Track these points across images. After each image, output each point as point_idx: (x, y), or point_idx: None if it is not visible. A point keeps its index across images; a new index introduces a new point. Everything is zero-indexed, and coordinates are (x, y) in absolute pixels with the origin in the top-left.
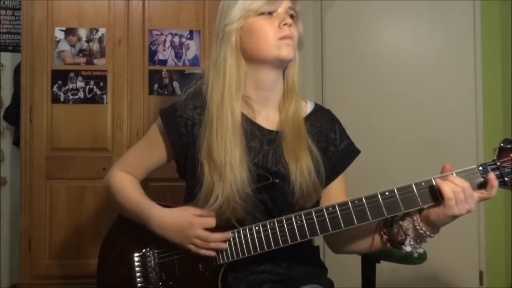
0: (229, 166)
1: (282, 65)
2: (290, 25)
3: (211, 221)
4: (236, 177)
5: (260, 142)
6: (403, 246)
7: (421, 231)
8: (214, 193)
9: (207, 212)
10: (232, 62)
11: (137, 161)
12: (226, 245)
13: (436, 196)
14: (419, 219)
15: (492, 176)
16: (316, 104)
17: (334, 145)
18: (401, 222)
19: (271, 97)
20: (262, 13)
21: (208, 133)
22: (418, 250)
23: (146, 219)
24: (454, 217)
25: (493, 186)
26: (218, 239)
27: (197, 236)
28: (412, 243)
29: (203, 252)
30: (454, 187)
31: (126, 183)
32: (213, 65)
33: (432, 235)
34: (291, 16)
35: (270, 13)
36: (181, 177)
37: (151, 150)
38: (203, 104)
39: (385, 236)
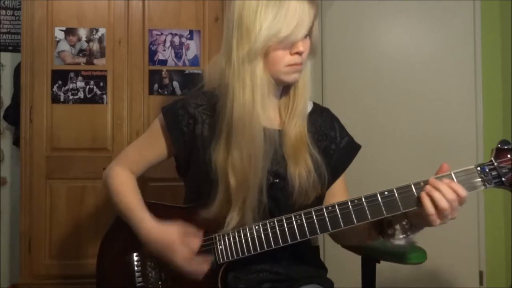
0: (251, 194)
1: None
2: (302, 53)
3: (195, 244)
4: (254, 204)
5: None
6: (392, 240)
7: (406, 227)
8: (231, 212)
9: (194, 231)
10: (263, 80)
11: (138, 155)
12: (202, 275)
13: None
14: (406, 220)
15: (453, 184)
16: (314, 104)
17: (335, 143)
18: (390, 218)
19: (273, 99)
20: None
21: (233, 145)
22: (412, 240)
23: (135, 228)
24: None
25: (457, 189)
26: (195, 271)
27: (175, 263)
28: (402, 236)
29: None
30: (441, 203)
31: (122, 184)
32: (237, 76)
33: (416, 231)
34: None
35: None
36: (181, 176)
37: (152, 146)
38: (207, 104)
39: (376, 230)
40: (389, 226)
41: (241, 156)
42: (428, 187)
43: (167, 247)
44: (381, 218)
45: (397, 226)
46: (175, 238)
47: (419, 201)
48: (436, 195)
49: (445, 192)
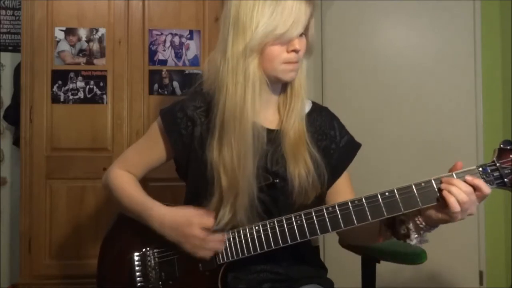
0: (241, 192)
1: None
2: (299, 51)
3: (210, 221)
4: (246, 201)
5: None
6: (408, 240)
7: (421, 226)
8: (223, 208)
9: (207, 211)
10: (255, 77)
11: (137, 159)
12: (222, 247)
13: (436, 197)
14: (420, 218)
15: (476, 181)
16: (313, 103)
17: (335, 143)
18: (402, 217)
19: (271, 99)
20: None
21: (224, 142)
22: (425, 239)
23: (147, 217)
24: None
25: (480, 186)
26: (216, 240)
27: (195, 235)
28: (416, 236)
29: (200, 252)
30: (460, 197)
31: (126, 182)
32: (231, 73)
33: (431, 229)
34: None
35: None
36: (181, 177)
37: (152, 149)
38: (205, 105)
39: (389, 230)
40: (401, 225)
41: (231, 154)
42: (444, 185)
43: (183, 223)
44: (393, 218)
45: (411, 225)
46: (190, 214)
47: (441, 200)
48: (454, 189)
49: (461, 186)
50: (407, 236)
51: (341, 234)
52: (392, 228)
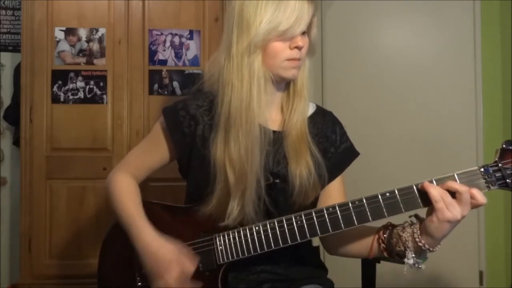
0: (249, 185)
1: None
2: (301, 48)
3: (190, 269)
4: (253, 195)
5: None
6: (405, 260)
7: (420, 244)
8: (231, 203)
9: (192, 255)
10: (260, 73)
11: (140, 161)
12: None
13: None
14: (418, 231)
15: (474, 191)
16: (317, 106)
17: (334, 147)
18: (400, 233)
19: (274, 99)
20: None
21: (231, 137)
22: (419, 266)
23: (133, 237)
24: (450, 222)
25: (475, 195)
26: None
27: (166, 281)
28: (413, 255)
29: None
30: (441, 191)
31: (124, 191)
32: (236, 69)
33: (431, 249)
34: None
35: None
36: (183, 177)
37: (154, 151)
38: (207, 104)
39: (382, 245)
40: (397, 242)
41: (238, 148)
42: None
43: (162, 263)
44: (390, 237)
45: (409, 244)
46: (172, 257)
47: (425, 197)
48: (426, 183)
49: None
50: (403, 255)
51: (328, 242)
52: (387, 247)
